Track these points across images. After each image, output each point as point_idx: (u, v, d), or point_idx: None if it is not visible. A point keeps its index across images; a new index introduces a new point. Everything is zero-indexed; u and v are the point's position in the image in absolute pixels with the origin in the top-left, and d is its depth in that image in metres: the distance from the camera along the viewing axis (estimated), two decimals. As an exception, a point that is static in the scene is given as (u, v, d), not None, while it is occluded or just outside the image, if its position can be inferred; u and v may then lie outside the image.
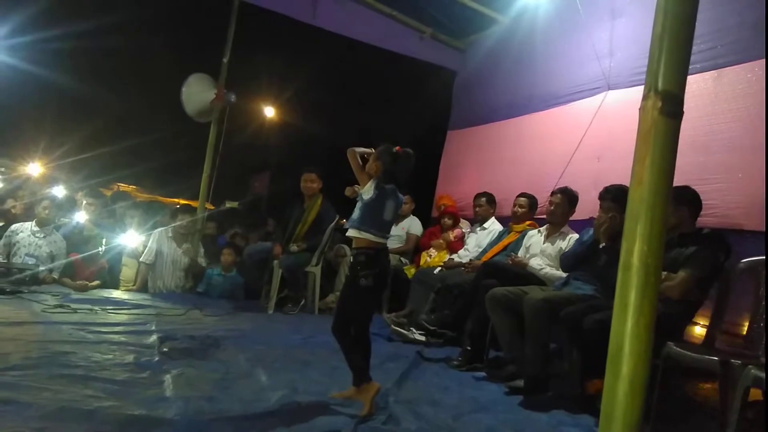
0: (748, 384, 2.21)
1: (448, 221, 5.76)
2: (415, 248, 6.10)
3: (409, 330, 4.43)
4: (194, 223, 6.22)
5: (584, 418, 2.81)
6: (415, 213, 6.29)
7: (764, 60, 3.63)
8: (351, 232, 2.75)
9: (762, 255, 2.86)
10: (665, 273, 2.91)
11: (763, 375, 2.17)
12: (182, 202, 10.50)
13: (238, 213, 9.61)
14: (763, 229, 3.37)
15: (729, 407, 2.29)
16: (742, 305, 2.91)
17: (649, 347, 1.22)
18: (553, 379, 3.31)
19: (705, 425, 2.65)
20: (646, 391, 1.24)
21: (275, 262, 5.44)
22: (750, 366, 2.25)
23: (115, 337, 3.65)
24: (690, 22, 1.27)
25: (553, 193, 4.23)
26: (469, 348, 3.85)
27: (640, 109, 1.29)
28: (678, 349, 2.65)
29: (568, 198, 4.13)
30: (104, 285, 5.63)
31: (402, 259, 5.94)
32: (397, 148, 2.80)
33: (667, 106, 1.24)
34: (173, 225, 6.10)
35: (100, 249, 5.74)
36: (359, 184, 2.84)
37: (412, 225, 6.15)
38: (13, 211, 6.41)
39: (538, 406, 2.96)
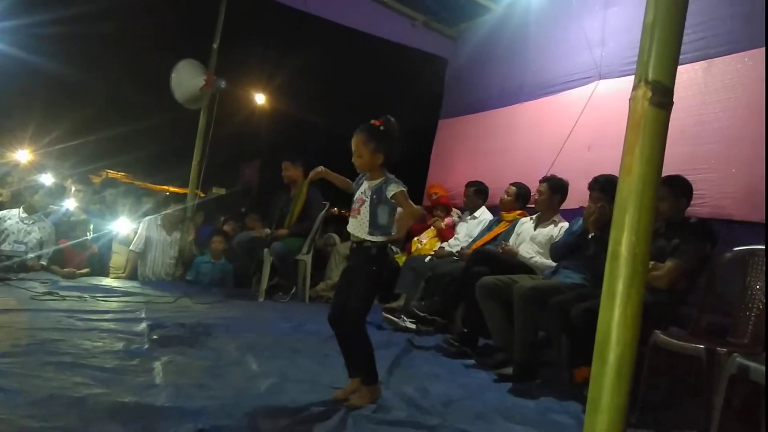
0: (733, 372, 2.24)
1: (440, 214, 5.77)
2: (405, 236, 6.11)
3: (400, 318, 4.45)
4: (183, 211, 6.20)
5: (572, 404, 2.84)
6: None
7: (758, 50, 3.64)
8: (378, 238, 2.56)
9: (751, 245, 2.88)
10: (652, 263, 2.93)
11: (747, 363, 2.19)
12: (172, 189, 10.45)
13: (225, 201, 9.57)
14: (753, 219, 3.40)
15: (714, 395, 2.32)
16: (729, 294, 2.94)
17: (635, 336, 1.23)
18: (541, 367, 3.34)
19: (691, 412, 2.68)
20: (633, 378, 1.26)
21: (266, 250, 5.44)
22: (735, 354, 2.28)
23: (105, 324, 3.63)
24: (681, 12, 1.27)
25: (539, 182, 4.27)
26: (465, 330, 3.88)
27: (630, 99, 1.29)
28: (665, 337, 2.69)
29: (550, 186, 4.16)
30: (93, 272, 5.61)
31: (393, 247, 5.95)
32: (376, 122, 2.57)
33: (657, 96, 1.25)
34: (164, 213, 6.08)
35: (88, 236, 5.71)
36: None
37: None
38: (0, 198, 6.35)
39: (527, 393, 2.99)
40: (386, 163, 2.60)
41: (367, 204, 2.57)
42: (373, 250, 2.58)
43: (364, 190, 2.62)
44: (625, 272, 1.23)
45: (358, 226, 2.60)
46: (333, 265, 6.13)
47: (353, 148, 2.58)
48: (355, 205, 2.64)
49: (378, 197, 2.55)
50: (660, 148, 1.25)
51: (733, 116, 3.77)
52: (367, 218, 2.56)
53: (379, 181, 2.58)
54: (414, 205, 2.62)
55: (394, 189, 2.53)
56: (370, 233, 2.56)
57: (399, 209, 2.59)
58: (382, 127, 2.56)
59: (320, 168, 2.92)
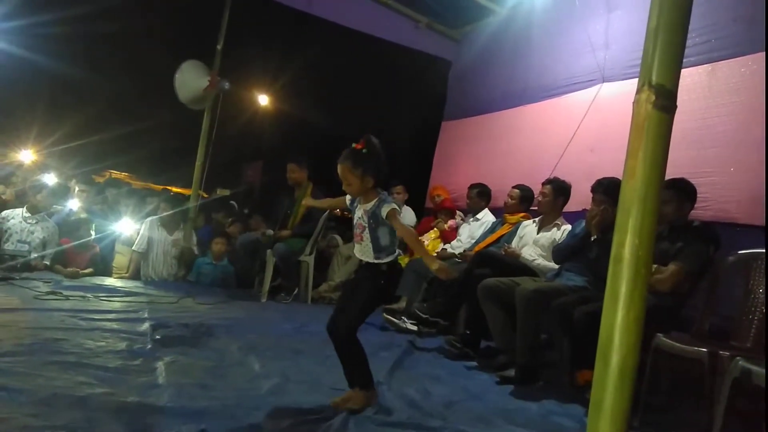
0: (736, 375, 2.23)
1: (444, 218, 5.77)
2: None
3: (401, 320, 4.45)
4: (183, 212, 6.20)
5: (574, 407, 2.84)
6: (408, 203, 6.30)
7: (762, 54, 3.63)
8: (386, 260, 2.54)
9: (754, 248, 2.88)
10: (656, 266, 2.93)
11: (750, 366, 2.19)
12: (175, 189, 10.47)
13: (228, 201, 9.58)
14: (757, 223, 3.40)
15: (717, 398, 2.31)
16: (732, 297, 2.94)
17: (638, 339, 1.23)
18: (543, 369, 3.34)
19: (693, 416, 2.68)
20: (636, 381, 1.26)
21: (269, 251, 5.44)
22: (738, 358, 2.27)
23: (108, 324, 3.64)
24: (685, 17, 1.27)
25: (543, 184, 4.27)
26: (468, 332, 3.87)
27: (633, 102, 1.30)
28: (667, 340, 2.68)
29: (554, 188, 4.16)
30: (97, 272, 5.62)
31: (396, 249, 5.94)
32: (357, 145, 2.48)
33: (660, 100, 1.25)
34: (163, 214, 6.08)
35: (91, 235, 5.72)
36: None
37: (406, 215, 6.14)
38: (4, 197, 6.38)
39: (529, 396, 2.99)
40: (377, 183, 2.54)
41: (367, 230, 2.54)
42: (383, 266, 2.56)
43: (360, 215, 2.58)
44: (628, 275, 1.23)
45: (363, 251, 2.59)
46: (336, 266, 6.14)
47: (341, 176, 2.52)
48: (356, 231, 2.61)
49: (375, 221, 2.52)
50: (663, 152, 1.26)
51: (737, 120, 3.77)
52: (370, 244, 2.55)
53: (372, 203, 2.53)
54: (405, 226, 2.61)
55: (386, 208, 2.49)
56: (377, 257, 2.55)
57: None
58: (364, 150, 2.48)
59: (306, 201, 2.89)
